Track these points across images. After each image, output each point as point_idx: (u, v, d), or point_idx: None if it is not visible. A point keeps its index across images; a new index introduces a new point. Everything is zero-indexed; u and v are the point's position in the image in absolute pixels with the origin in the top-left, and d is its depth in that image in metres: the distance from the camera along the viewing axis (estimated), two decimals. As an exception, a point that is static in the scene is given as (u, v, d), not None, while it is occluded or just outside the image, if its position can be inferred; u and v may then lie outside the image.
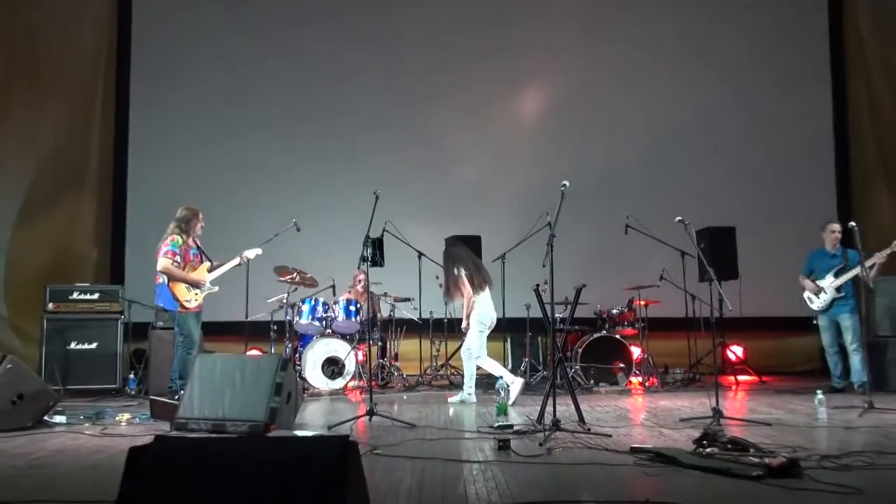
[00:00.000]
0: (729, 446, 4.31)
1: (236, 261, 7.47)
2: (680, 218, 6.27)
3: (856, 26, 11.36)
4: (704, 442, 4.43)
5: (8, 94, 10.51)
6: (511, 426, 5.57)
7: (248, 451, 2.70)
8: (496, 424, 5.62)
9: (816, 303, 8.09)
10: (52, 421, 5.97)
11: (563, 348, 8.86)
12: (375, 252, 6.51)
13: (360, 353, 8.93)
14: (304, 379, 8.39)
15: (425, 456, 4.55)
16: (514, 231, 8.35)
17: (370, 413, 5.93)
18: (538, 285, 6.03)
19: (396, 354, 9.38)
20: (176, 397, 6.31)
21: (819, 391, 6.26)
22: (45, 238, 10.48)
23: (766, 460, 3.91)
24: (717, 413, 5.76)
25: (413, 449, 4.84)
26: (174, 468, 2.67)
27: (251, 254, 7.59)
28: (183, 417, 5.56)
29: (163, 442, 2.75)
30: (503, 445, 4.70)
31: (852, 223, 7.03)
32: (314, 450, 2.67)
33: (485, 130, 11.21)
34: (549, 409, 5.52)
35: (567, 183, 5.91)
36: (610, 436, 5.21)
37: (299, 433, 5.48)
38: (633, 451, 4.52)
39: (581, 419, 5.71)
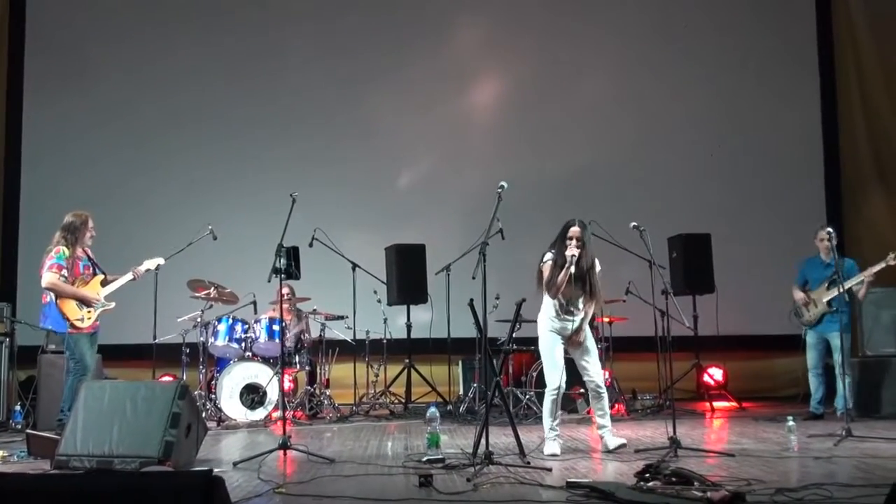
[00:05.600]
0: (673, 479, 4.40)
1: (130, 275, 7.41)
2: (635, 223, 6.36)
3: (847, 18, 11.56)
4: (647, 475, 4.51)
5: None
6: (441, 460, 5.62)
7: (97, 488, 2.72)
8: (425, 458, 5.68)
9: (806, 316, 8.21)
10: (-84, 460, 5.91)
11: (515, 372, 8.98)
12: (290, 263, 6.49)
13: (287, 380, 8.95)
14: (219, 409, 8.37)
15: (333, 494, 4.59)
16: (463, 239, 8.42)
17: (284, 447, 5.93)
18: (472, 300, 6.07)
19: (327, 380, 9.37)
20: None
21: (790, 418, 6.39)
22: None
23: (709, 494, 4.00)
24: (675, 443, 5.85)
25: (324, 486, 4.88)
26: (13, 509, 2.68)
27: (151, 264, 7.54)
28: (64, 454, 5.53)
29: (2, 480, 2.76)
30: (425, 482, 4.74)
31: (829, 229, 7.17)
32: (172, 486, 2.70)
33: (431, 125, 11.28)
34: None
35: (505, 184, 5.98)
36: (550, 470, 5.28)
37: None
38: (569, 486, 4.59)
39: (521, 451, 5.77)
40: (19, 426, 8.08)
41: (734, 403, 9.66)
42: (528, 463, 5.51)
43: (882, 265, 7.70)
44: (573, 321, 6.20)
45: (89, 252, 7.34)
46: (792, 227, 10.01)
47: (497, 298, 8.62)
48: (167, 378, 9.44)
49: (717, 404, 9.48)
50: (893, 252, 7.62)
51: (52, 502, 2.68)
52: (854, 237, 11.03)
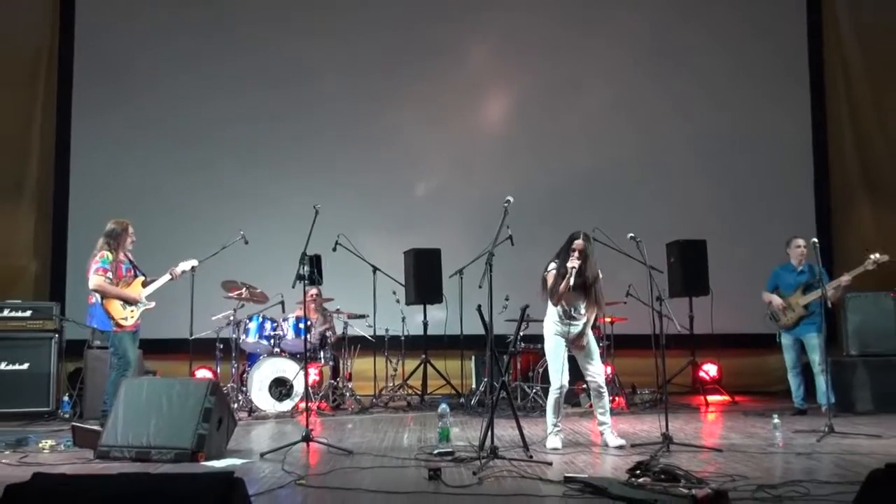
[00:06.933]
0: (661, 476, 4.43)
1: (168, 276, 7.50)
2: (632, 234, 6.39)
3: (836, 32, 11.51)
4: (637, 471, 4.54)
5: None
6: (451, 453, 5.67)
7: (129, 489, 2.79)
8: (436, 451, 5.73)
9: (783, 320, 8.20)
10: (-30, 448, 6.01)
11: (523, 368, 9.03)
12: (313, 270, 6.60)
13: (312, 373, 9.01)
14: (250, 400, 8.46)
15: (350, 486, 4.65)
16: (476, 244, 8.46)
17: (306, 439, 5.99)
18: (479, 305, 6.10)
19: (350, 374, 9.44)
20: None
21: (775, 415, 6.39)
22: (-20, 250, 10.55)
23: (694, 491, 4.02)
24: (667, 439, 5.88)
25: (342, 479, 4.93)
26: (53, 506, 2.76)
27: (186, 265, 7.62)
28: (105, 445, 5.65)
29: (41, 480, 2.83)
30: (433, 475, 4.79)
31: (814, 239, 7.18)
32: (192, 487, 2.76)
33: (445, 137, 11.32)
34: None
35: (511, 199, 6.01)
36: (550, 464, 5.31)
37: (228, 461, 5.55)
38: (567, 480, 4.63)
39: (525, 446, 5.80)
40: (67, 416, 8.21)
41: (727, 398, 9.66)
42: (531, 457, 5.54)
43: (860, 269, 7.70)
44: (576, 325, 6.23)
45: (130, 256, 7.45)
46: (783, 235, 9.92)
47: (506, 300, 8.66)
48: (204, 371, 9.57)
49: (711, 398, 9.47)
50: (873, 256, 7.61)
51: (79, 501, 2.75)
52: (842, 245, 11.01)
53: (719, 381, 10.12)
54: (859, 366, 8.39)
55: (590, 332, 6.35)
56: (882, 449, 5.91)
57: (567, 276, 6.04)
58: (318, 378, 9.31)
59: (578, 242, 6.16)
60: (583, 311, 6.26)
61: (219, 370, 9.11)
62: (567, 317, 6.21)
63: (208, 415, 5.63)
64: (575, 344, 6.27)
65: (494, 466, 5.20)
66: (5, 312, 8.46)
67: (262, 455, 5.78)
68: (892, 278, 8.41)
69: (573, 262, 6.06)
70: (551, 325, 6.27)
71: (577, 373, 8.09)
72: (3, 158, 10.82)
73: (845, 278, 7.79)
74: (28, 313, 8.53)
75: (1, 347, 8.30)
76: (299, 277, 6.40)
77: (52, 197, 10.99)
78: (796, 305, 8.06)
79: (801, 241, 8.14)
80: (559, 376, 6.19)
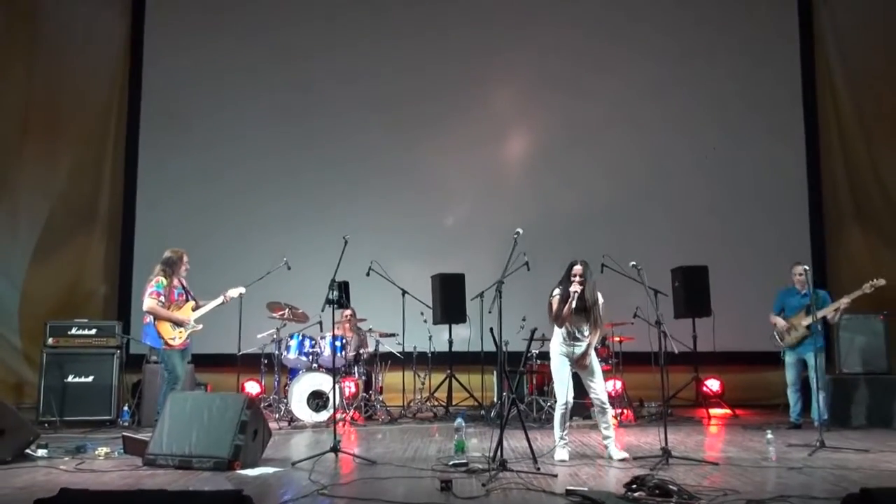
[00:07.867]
0: (656, 492, 4.26)
1: (220, 300, 7.48)
2: (634, 263, 6.23)
3: (826, 68, 11.26)
4: (634, 486, 4.37)
5: (27, 139, 10.81)
6: (465, 464, 5.54)
7: (147, 504, 2.72)
8: (451, 462, 5.61)
9: (787, 340, 7.97)
10: (35, 455, 5.99)
11: (538, 383, 8.87)
12: (341, 295, 6.56)
13: (349, 386, 8.92)
14: (290, 411, 8.38)
15: (367, 496, 4.53)
16: (496, 268, 8.27)
17: (334, 449, 5.90)
18: (492, 328, 5.97)
19: (381, 387, 9.34)
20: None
21: (769, 430, 6.16)
22: (58, 274, 10.69)
23: (683, 507, 3.86)
24: (666, 453, 5.69)
25: (361, 488, 4.83)
26: (78, 520, 2.69)
27: (234, 293, 7.60)
28: (152, 453, 5.62)
29: (67, 494, 2.77)
30: (445, 487, 4.66)
31: (805, 267, 6.98)
32: (208, 504, 2.67)
33: (470, 169, 11.22)
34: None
35: (520, 230, 5.92)
36: (556, 476, 5.16)
37: (261, 470, 5.48)
38: (567, 493, 4.47)
39: (533, 458, 5.64)
40: (126, 424, 8.21)
41: (729, 411, 9.39)
42: (539, 469, 5.38)
43: (858, 293, 7.49)
44: (580, 346, 6.10)
45: (184, 282, 7.44)
46: (779, 259, 9.71)
47: (523, 320, 8.51)
48: (252, 383, 9.58)
49: (713, 411, 9.23)
50: (870, 282, 7.40)
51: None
52: (835, 270, 10.74)
53: (721, 396, 9.87)
54: (852, 383, 8.15)
55: (592, 352, 6.20)
56: (870, 463, 5.68)
57: (570, 300, 5.92)
58: (354, 390, 9.22)
59: (577, 268, 6.04)
60: (586, 333, 6.12)
61: (264, 382, 9.08)
62: (571, 338, 6.08)
63: (244, 427, 5.57)
64: (579, 363, 6.12)
65: (503, 478, 5.05)
66: (73, 330, 8.51)
67: (293, 464, 5.70)
68: (884, 301, 8.18)
69: (575, 287, 5.94)
70: (557, 345, 6.14)
71: (582, 389, 7.93)
72: (80, 190, 10.99)
73: (845, 301, 7.58)
74: (93, 331, 8.56)
75: (69, 362, 8.34)
76: (328, 302, 6.35)
77: (121, 226, 11.09)
78: (799, 326, 7.83)
79: (800, 269, 7.89)
80: (564, 392, 6.05)
